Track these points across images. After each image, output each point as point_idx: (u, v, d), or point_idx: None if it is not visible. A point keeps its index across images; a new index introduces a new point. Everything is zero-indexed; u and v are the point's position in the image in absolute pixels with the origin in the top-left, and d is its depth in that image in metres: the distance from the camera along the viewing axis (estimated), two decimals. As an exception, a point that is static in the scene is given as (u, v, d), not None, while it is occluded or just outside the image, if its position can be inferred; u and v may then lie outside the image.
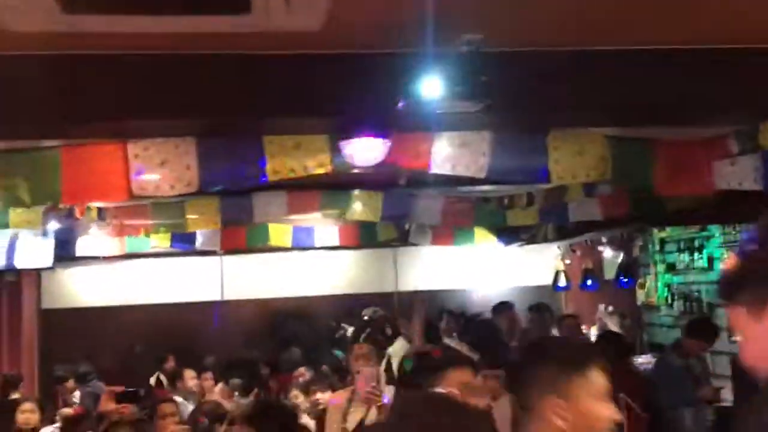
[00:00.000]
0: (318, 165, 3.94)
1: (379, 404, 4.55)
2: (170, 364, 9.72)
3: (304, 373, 8.36)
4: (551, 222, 7.56)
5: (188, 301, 10.80)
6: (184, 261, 10.61)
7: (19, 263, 8.42)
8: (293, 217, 8.43)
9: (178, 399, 7.39)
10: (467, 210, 7.22)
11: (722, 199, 6.04)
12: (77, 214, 6.15)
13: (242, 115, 3.81)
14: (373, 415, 4.72)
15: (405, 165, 4.04)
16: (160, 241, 9.07)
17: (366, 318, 9.43)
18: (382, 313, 9.40)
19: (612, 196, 6.52)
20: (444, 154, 3.97)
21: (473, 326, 6.64)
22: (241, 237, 8.91)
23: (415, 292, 10.96)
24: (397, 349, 7.19)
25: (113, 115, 3.68)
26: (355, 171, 4.12)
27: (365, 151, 3.77)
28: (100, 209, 6.64)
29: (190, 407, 7.46)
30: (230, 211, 7.02)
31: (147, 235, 8.89)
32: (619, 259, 8.62)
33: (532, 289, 10.78)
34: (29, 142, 3.83)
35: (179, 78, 3.71)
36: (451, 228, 9.18)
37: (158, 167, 3.83)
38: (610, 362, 2.21)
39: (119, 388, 5.81)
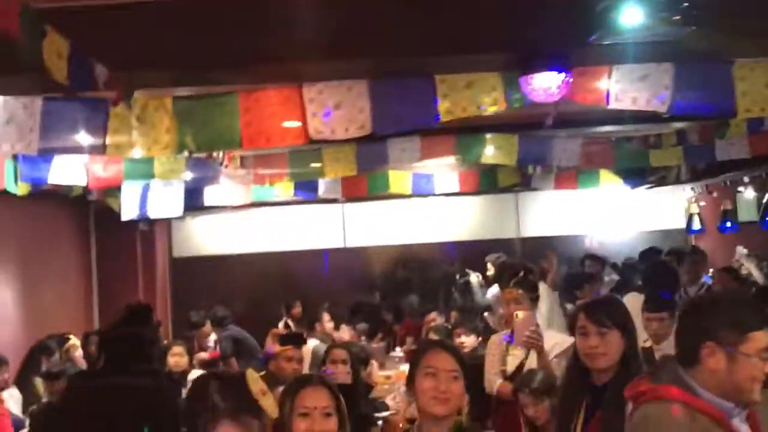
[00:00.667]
0: (491, 103, 3.86)
1: (540, 349, 4.50)
2: (297, 309, 9.91)
3: (435, 318, 8.38)
4: (696, 162, 7.27)
5: (312, 248, 10.95)
6: (307, 209, 10.73)
7: (152, 213, 8.69)
8: (415, 164, 8.43)
9: (315, 341, 7.54)
10: (607, 151, 7.01)
11: None
12: (226, 162, 6.24)
13: (414, 56, 3.75)
14: (533, 360, 4.68)
15: (581, 100, 3.91)
16: (284, 190, 9.20)
17: (491, 264, 9.36)
18: (505, 259, 9.32)
19: (764, 134, 6.24)
20: (623, 88, 3.82)
21: (651, 268, 6.44)
22: (362, 184, 8.95)
23: (538, 238, 10.86)
24: (543, 294, 7.10)
25: (288, 56, 3.67)
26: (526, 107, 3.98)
27: (545, 86, 3.66)
28: (242, 158, 6.73)
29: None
30: (366, 157, 7.03)
31: (271, 184, 9.05)
32: (765, 200, 8.25)
33: (661, 233, 10.49)
34: (207, 88, 3.86)
35: (351, 20, 3.67)
36: (575, 171, 9.01)
37: (332, 110, 3.81)
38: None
39: (282, 331, 5.95)
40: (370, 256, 11.24)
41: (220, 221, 10.76)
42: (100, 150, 3.89)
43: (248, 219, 10.78)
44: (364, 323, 9.43)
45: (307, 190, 9.15)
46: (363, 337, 9.04)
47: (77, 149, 4.14)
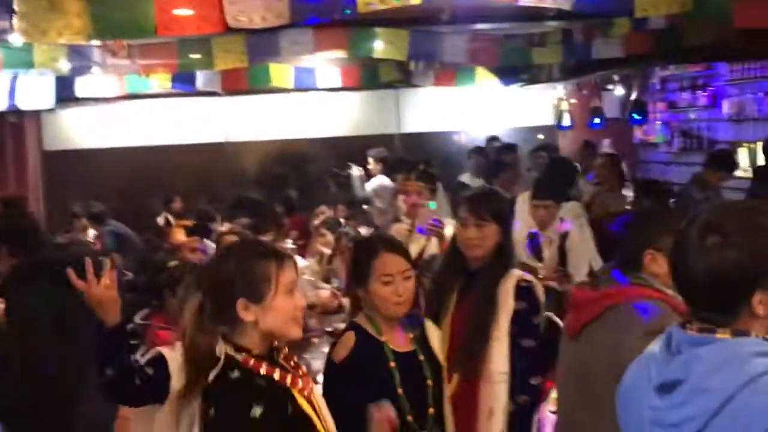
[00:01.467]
0: (408, -6, 3.92)
1: (441, 236, 4.77)
2: (177, 204, 9.80)
3: (324, 211, 8.46)
4: (574, 59, 7.61)
5: (191, 142, 10.76)
6: (185, 102, 10.49)
7: (21, 104, 8.27)
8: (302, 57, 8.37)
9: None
10: (493, 48, 7.23)
11: (744, 36, 6.22)
12: (116, 50, 6.01)
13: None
14: (434, 246, 4.96)
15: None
16: (161, 82, 8.95)
17: (372, 159, 9.51)
18: (386, 154, 9.52)
19: (637, 34, 6.63)
20: (532, -15, 3.98)
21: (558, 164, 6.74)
22: (242, 77, 8.82)
23: (417, 134, 11.13)
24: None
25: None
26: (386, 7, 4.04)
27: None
28: (129, 46, 6.49)
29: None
30: (257, 48, 6.94)
31: (147, 75, 8.77)
32: (632, 98, 8.79)
33: (533, 129, 10.98)
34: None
35: None
36: (454, 69, 9.24)
37: (250, -3, 3.77)
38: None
39: (189, 222, 5.92)
40: (250, 152, 11.16)
41: (93, 114, 10.35)
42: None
43: (123, 112, 10.44)
44: (246, 218, 9.45)
45: (185, 83, 8.94)
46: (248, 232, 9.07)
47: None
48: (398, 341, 2.77)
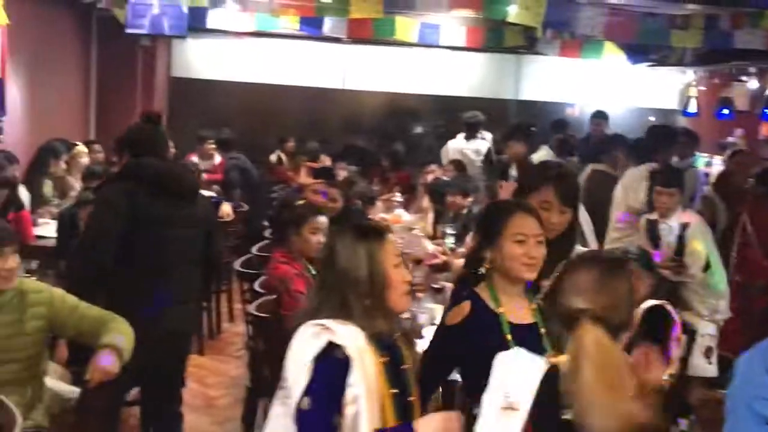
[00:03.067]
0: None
1: None
2: (290, 144, 10.04)
3: (434, 170, 8.50)
4: (714, 47, 7.38)
5: (309, 85, 10.94)
6: (308, 45, 10.64)
7: (157, 29, 8.54)
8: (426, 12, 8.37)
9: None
10: (632, 24, 7.08)
11: None
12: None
13: None
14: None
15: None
16: (289, 22, 9.08)
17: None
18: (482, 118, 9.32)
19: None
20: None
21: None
22: (367, 27, 8.86)
23: (534, 102, 11.01)
24: (542, 155, 7.36)
25: None
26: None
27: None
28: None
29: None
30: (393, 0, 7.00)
31: (277, 15, 8.93)
32: (766, 93, 8.47)
33: (655, 111, 10.72)
34: None
35: None
36: (580, 40, 9.07)
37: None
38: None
39: (315, 164, 6.08)
40: (365, 101, 11.28)
41: (220, 46, 10.61)
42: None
43: (248, 48, 10.66)
44: (354, 165, 9.59)
45: (312, 26, 9.06)
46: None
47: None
48: (518, 313, 2.71)
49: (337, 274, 2.38)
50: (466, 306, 2.68)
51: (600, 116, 9.24)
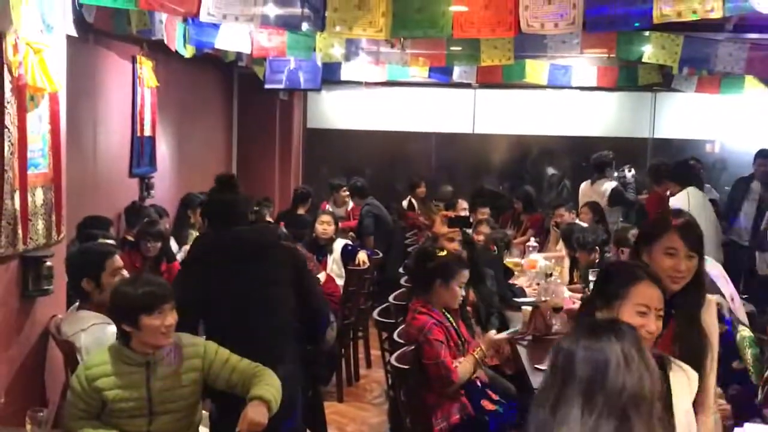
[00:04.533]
0: (708, 10, 3.81)
1: None
2: (421, 189, 10.16)
3: (563, 214, 8.37)
4: None
5: (440, 131, 11.08)
6: (439, 92, 10.79)
7: (294, 84, 8.90)
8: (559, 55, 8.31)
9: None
10: (775, 59, 6.80)
11: None
12: (394, 42, 6.33)
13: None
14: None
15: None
16: (419, 71, 9.24)
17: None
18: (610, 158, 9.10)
19: None
20: None
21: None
22: (497, 71, 8.88)
23: (670, 140, 10.72)
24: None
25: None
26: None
27: (773, -5, 3.59)
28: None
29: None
30: (523, 45, 7.02)
31: (408, 65, 9.10)
32: None
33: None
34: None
35: None
36: (719, 75, 8.76)
37: (545, 4, 3.84)
38: None
39: (450, 213, 6.18)
40: (496, 145, 11.30)
41: (352, 97, 10.94)
42: (319, 26, 4.03)
43: (380, 97, 10.93)
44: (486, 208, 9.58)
45: (441, 73, 9.19)
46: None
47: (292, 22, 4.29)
48: None
49: None
50: None
51: (765, 155, 8.81)
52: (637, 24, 3.96)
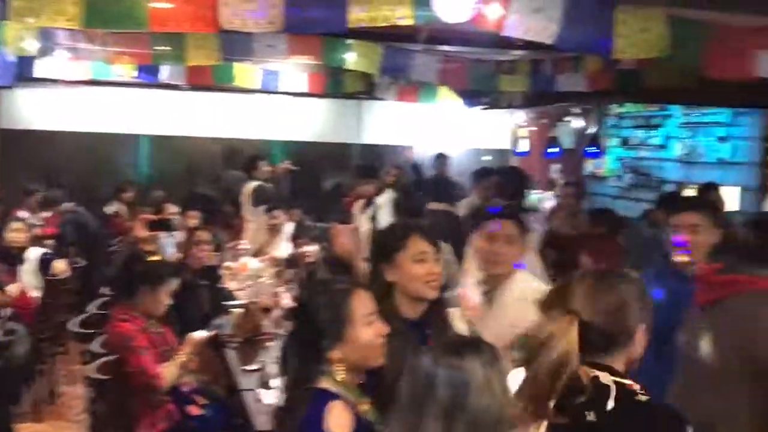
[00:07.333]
0: (399, 17, 4.02)
1: None
2: (128, 194, 9.73)
3: (278, 216, 8.43)
4: (540, 89, 7.82)
5: (149, 133, 10.70)
6: (147, 93, 10.41)
7: (-21, 79, 8.11)
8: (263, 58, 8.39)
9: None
10: (463, 70, 7.38)
11: (701, 83, 6.50)
12: (94, 36, 5.96)
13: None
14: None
15: (481, 25, 4.16)
16: (126, 70, 8.86)
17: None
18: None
19: (602, 71, 6.87)
20: (519, 18, 4.11)
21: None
22: (207, 73, 8.79)
23: (377, 146, 11.25)
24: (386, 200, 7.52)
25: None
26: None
27: (455, 7, 3.87)
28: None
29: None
30: (230, 47, 6.95)
31: (112, 63, 8.68)
32: (590, 130, 9.06)
33: (489, 152, 11.21)
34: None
35: None
36: (417, 85, 9.39)
37: (245, 2, 3.82)
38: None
39: (152, 217, 5.89)
40: (208, 148, 11.14)
41: (55, 95, 10.20)
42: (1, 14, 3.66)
43: (86, 97, 10.32)
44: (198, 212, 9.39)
45: (149, 73, 8.87)
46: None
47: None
48: None
49: None
50: None
51: (442, 158, 9.60)
52: (334, 27, 4.07)
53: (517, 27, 4.14)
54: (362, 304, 2.23)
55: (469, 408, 1.82)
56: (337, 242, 4.86)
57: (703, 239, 3.33)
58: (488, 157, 11.11)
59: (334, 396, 2.14)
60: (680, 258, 3.41)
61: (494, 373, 1.87)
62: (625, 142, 10.07)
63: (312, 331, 2.18)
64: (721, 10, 4.39)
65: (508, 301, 3.11)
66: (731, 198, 7.62)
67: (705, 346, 2.77)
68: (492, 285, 3.17)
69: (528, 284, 3.18)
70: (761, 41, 4.30)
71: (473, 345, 1.95)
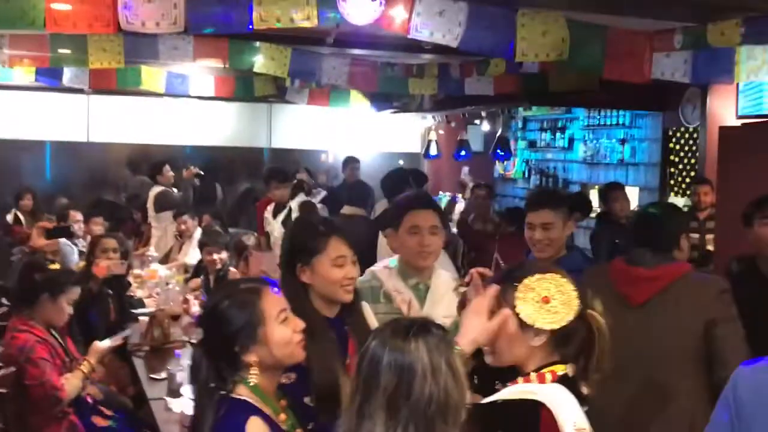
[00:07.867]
0: (304, 18, 4.00)
1: None
2: (27, 201, 9.40)
3: (187, 221, 8.29)
4: (449, 93, 7.92)
5: (50, 139, 10.36)
6: (48, 96, 10.09)
7: None
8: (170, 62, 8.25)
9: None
10: (372, 74, 7.40)
11: (603, 86, 6.72)
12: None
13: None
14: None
15: (387, 27, 4.17)
16: (24, 74, 8.57)
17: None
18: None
19: (508, 75, 7.02)
20: (424, 21, 4.15)
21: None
22: (111, 77, 8.58)
23: (287, 150, 11.19)
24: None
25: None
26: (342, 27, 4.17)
27: (361, 9, 3.88)
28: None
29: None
30: (134, 50, 6.80)
31: (11, 66, 8.38)
32: (498, 133, 9.21)
33: (400, 156, 11.29)
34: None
35: None
36: (328, 89, 9.38)
37: (145, 2, 3.74)
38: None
39: (49, 224, 5.67)
40: (113, 154, 10.86)
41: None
42: None
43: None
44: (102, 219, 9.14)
45: (50, 77, 8.60)
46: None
47: None
48: None
49: None
50: None
51: (352, 161, 9.61)
52: (238, 28, 4.02)
53: (422, 29, 4.18)
54: (273, 301, 2.13)
55: (413, 397, 1.72)
56: (253, 270, 4.82)
57: (557, 235, 3.56)
58: (401, 161, 11.19)
59: (253, 409, 2.05)
60: (539, 254, 3.54)
61: (442, 360, 1.76)
62: (532, 145, 10.29)
63: (224, 337, 2.09)
64: (618, 14, 4.52)
65: (439, 292, 3.12)
66: (632, 198, 7.87)
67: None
68: (420, 278, 3.16)
69: (448, 276, 3.24)
70: (656, 44, 4.46)
71: (422, 327, 1.80)
